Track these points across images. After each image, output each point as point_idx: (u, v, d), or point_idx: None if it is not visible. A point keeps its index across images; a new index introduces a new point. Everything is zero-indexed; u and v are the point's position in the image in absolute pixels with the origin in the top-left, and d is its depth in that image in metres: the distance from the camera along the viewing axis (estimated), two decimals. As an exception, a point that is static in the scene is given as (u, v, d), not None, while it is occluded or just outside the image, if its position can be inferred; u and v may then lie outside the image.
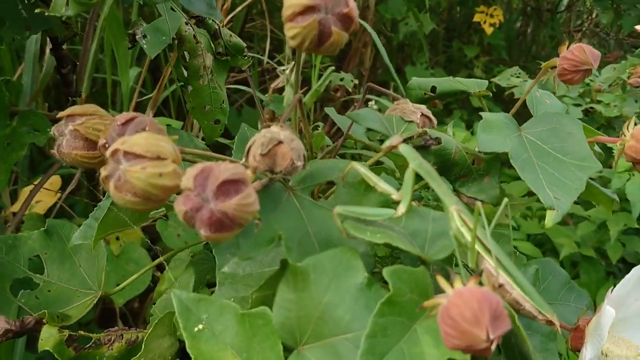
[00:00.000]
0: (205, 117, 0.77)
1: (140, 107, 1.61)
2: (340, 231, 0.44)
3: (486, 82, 0.59)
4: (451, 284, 0.35)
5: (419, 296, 0.40)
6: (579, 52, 0.52)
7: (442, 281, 0.35)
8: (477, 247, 0.41)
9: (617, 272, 1.83)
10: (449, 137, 0.50)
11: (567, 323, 0.54)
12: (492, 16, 3.09)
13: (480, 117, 0.53)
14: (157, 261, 0.67)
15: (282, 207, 0.46)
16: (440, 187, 0.43)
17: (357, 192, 0.48)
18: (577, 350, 0.52)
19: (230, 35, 0.82)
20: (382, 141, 0.52)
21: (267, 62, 2.26)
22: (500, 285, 0.41)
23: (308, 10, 0.40)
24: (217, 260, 0.53)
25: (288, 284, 0.41)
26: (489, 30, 3.07)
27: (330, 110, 0.59)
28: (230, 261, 0.52)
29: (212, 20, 0.75)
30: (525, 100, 0.58)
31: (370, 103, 2.49)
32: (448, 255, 0.44)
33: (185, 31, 0.72)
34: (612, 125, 1.76)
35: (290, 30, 0.41)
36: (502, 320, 0.32)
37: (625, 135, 0.53)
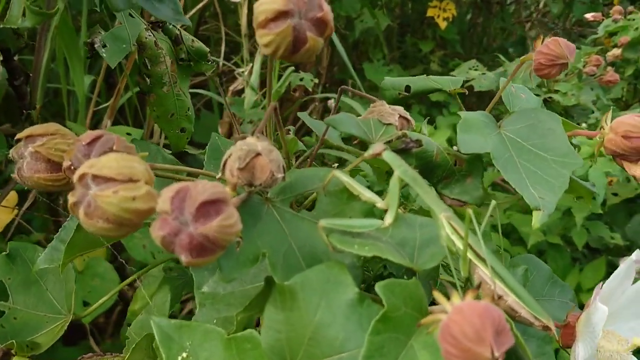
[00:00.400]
0: (171, 126, 0.74)
1: (97, 116, 1.56)
2: (325, 244, 0.42)
3: (461, 79, 0.58)
4: (448, 299, 0.33)
5: (414, 310, 0.38)
6: (554, 46, 0.51)
7: (439, 296, 0.34)
8: (470, 254, 0.40)
9: (582, 257, 1.86)
10: (429, 138, 0.49)
11: (555, 319, 0.53)
12: (445, 10, 3.10)
13: (441, 112, 0.52)
14: (129, 280, 0.64)
15: (263, 222, 0.44)
16: (428, 194, 0.41)
17: (340, 201, 0.46)
18: (567, 347, 0.51)
19: (193, 40, 0.79)
20: (361, 144, 0.51)
21: (224, 64, 2.22)
22: (499, 296, 0.40)
23: (281, 15, 0.38)
24: (195, 279, 0.51)
25: (276, 304, 0.39)
26: (442, 24, 3.09)
27: (304, 115, 0.57)
28: (209, 280, 0.50)
29: (173, 25, 0.72)
30: (500, 96, 0.57)
31: (329, 102, 2.48)
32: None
33: (146, 37, 0.69)
34: (570, 114, 1.79)
35: (263, 38, 0.39)
36: (506, 336, 0.31)
37: (604, 128, 0.52)
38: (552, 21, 3.43)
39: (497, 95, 0.57)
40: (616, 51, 1.75)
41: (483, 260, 0.40)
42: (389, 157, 0.41)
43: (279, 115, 0.46)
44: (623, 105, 1.95)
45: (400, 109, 0.52)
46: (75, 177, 0.36)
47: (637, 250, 0.51)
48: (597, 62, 1.72)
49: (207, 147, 0.58)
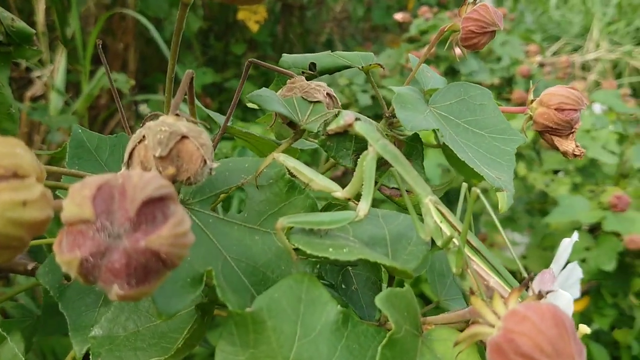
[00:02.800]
0: (-9, 126, 0.57)
1: None
2: (281, 251, 0.32)
3: (372, 54, 0.51)
4: (494, 305, 0.25)
5: (412, 326, 0.30)
6: (484, 12, 0.46)
7: (477, 302, 0.26)
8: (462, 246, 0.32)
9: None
10: (367, 117, 0.41)
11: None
12: (256, 13, 3.07)
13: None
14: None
15: (185, 230, 0.32)
16: (410, 174, 0.33)
17: (278, 197, 0.36)
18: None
19: (13, 19, 0.63)
20: (292, 126, 0.41)
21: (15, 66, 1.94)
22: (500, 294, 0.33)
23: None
24: (68, 318, 0.38)
25: (233, 341, 0.28)
26: (254, 27, 3.05)
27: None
28: (95, 316, 0.37)
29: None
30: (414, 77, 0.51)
31: (141, 107, 2.30)
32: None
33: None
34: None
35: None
36: (580, 343, 0.24)
37: (531, 103, 0.48)
38: (353, 25, 3.58)
39: (412, 74, 0.51)
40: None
41: (477, 251, 0.33)
42: (364, 128, 0.33)
43: (193, 87, 0.34)
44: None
45: (324, 84, 0.43)
46: None
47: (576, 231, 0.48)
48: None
49: (68, 142, 0.44)
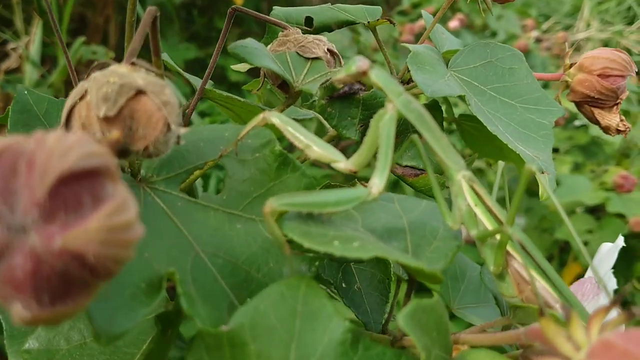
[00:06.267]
0: None
1: None
2: (260, 244, 0.25)
3: (379, 7, 0.43)
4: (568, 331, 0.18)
5: (442, 349, 0.22)
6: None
7: (550, 327, 0.18)
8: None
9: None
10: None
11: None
12: (241, -14, 2.98)
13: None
14: None
15: (144, 218, 0.25)
16: (440, 141, 0.26)
17: (265, 174, 0.28)
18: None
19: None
20: (283, 87, 0.33)
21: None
22: (545, 300, 0.25)
23: None
24: (4, 324, 0.30)
25: (203, 370, 0.21)
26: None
27: (164, 56, 0.38)
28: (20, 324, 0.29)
29: None
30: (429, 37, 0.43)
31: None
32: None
33: None
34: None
35: None
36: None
37: (568, 68, 0.41)
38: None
39: (425, 34, 0.43)
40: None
41: (519, 246, 0.25)
42: (382, 77, 0.25)
43: (157, 32, 0.26)
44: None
45: (323, 38, 0.36)
46: None
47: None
48: (410, 31, 1.71)
49: (10, 106, 0.36)
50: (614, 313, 0.23)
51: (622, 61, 0.39)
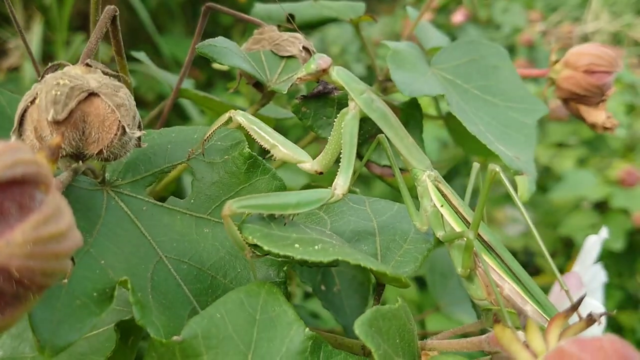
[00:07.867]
0: None
1: None
2: (228, 249, 0.24)
3: (362, 4, 0.42)
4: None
5: (407, 356, 0.22)
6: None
7: (505, 336, 0.18)
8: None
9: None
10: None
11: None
12: (244, -20, 2.98)
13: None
14: None
15: (105, 224, 0.24)
16: (403, 140, 0.25)
17: (234, 177, 0.28)
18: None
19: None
20: (258, 86, 0.33)
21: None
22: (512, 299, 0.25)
23: None
24: None
25: (156, 382, 0.20)
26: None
27: (141, 55, 0.37)
28: None
29: None
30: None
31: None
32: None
33: None
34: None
35: None
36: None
37: (555, 65, 0.40)
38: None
39: (412, 26, 0.43)
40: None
41: (489, 246, 0.25)
42: (343, 75, 0.25)
43: (119, 29, 0.26)
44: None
45: (300, 35, 0.35)
46: None
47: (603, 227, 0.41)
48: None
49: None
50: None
51: (608, 57, 0.38)
